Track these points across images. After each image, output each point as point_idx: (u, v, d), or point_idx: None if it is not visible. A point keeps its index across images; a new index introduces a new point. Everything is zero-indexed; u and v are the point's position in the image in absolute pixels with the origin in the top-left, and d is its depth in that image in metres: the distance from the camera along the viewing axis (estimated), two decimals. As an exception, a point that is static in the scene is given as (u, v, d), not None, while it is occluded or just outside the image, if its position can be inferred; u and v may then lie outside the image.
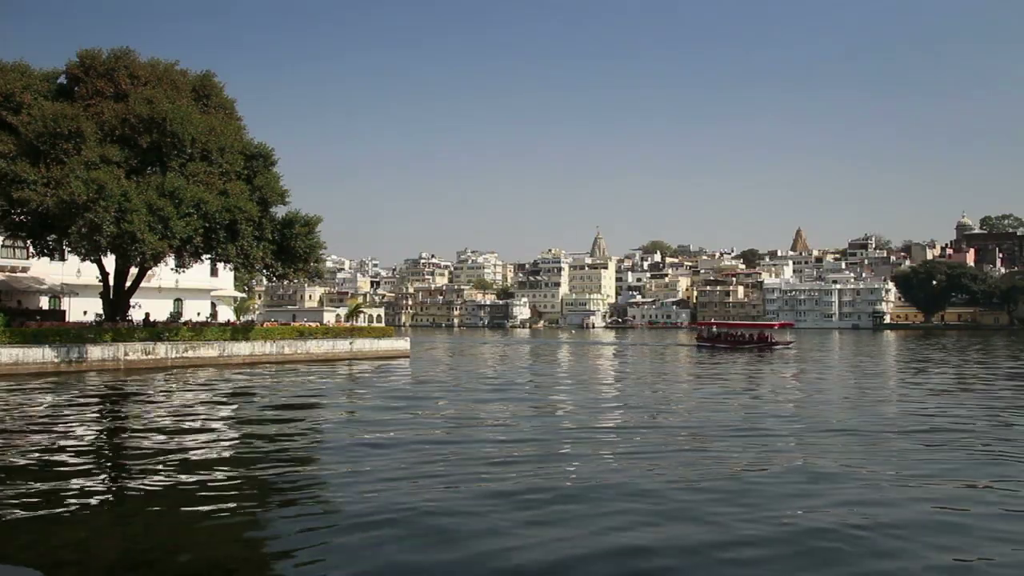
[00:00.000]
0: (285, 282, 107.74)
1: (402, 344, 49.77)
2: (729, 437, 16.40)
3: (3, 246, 44.30)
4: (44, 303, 45.89)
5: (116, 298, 39.27)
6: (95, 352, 34.23)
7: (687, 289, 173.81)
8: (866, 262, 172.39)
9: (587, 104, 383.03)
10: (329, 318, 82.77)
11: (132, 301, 41.12)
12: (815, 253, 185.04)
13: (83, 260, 36.65)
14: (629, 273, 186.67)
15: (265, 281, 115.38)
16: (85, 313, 44.36)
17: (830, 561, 8.43)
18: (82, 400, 23.53)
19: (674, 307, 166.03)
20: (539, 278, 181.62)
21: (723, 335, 63.60)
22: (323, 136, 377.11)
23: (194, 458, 14.10)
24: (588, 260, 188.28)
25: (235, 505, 10.93)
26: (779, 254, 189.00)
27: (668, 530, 9.54)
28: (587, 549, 8.81)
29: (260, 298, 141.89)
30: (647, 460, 13.80)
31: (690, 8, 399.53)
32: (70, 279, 45.83)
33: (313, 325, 51.94)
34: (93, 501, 11.01)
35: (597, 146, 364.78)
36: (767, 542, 9.03)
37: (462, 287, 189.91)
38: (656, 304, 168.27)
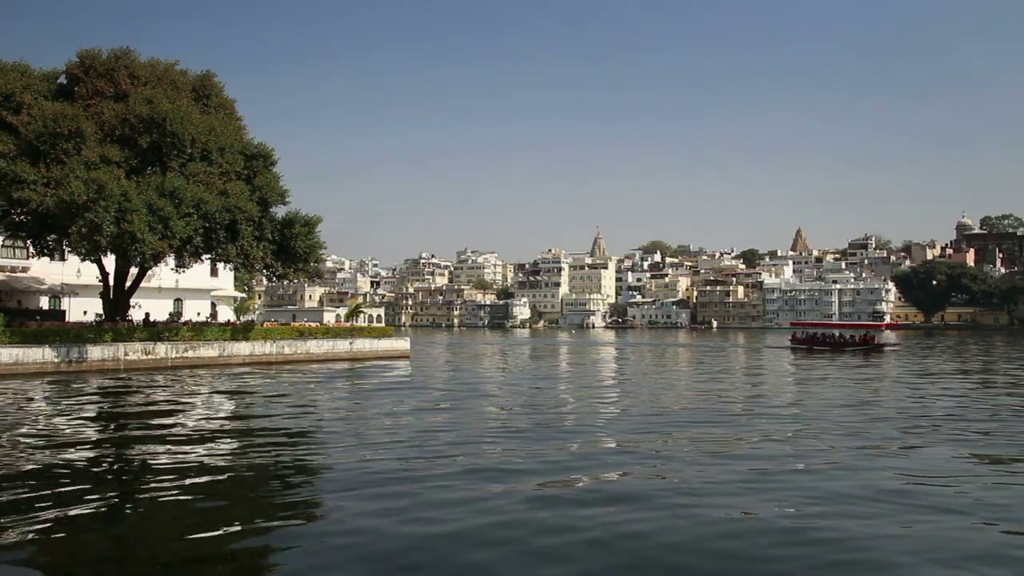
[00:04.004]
0: (285, 282, 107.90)
1: (402, 344, 49.77)
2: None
3: (3, 246, 44.30)
4: (44, 303, 45.88)
5: (116, 298, 39.27)
6: (95, 352, 34.22)
7: (687, 289, 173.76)
8: (866, 262, 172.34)
9: (587, 104, 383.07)
10: (329, 318, 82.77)
11: (132, 301, 41.11)
12: (815, 253, 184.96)
13: (83, 260, 36.67)
14: (629, 273, 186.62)
15: (265, 281, 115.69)
16: (85, 313, 44.36)
17: None
18: (81, 400, 23.53)
19: (674, 307, 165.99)
20: (539, 278, 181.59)
21: (822, 336, 60.61)
22: (323, 136, 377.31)
23: (195, 458, 14.09)
24: (588, 260, 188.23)
25: (236, 506, 10.93)
26: (779, 254, 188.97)
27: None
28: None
29: (260, 298, 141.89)
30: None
31: (690, 8, 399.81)
32: (70, 279, 45.83)
33: (313, 325, 51.93)
34: (93, 501, 10.99)
35: (597, 146, 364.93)
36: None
37: (462, 287, 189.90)
38: (656, 304, 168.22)
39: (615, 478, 12.58)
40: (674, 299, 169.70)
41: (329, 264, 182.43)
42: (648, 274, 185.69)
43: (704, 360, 47.89)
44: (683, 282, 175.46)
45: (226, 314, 57.70)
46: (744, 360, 48.91)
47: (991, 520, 10.12)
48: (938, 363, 44.21)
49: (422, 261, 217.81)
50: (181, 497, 11.23)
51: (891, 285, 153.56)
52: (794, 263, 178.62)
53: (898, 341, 64.87)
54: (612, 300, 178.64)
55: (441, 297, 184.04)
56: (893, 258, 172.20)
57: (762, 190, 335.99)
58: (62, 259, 43.61)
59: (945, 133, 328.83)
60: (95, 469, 13.29)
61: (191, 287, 52.81)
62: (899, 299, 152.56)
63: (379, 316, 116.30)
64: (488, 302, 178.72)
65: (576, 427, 18.58)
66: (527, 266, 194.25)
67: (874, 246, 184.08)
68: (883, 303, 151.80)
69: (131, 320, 39.58)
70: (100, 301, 40.19)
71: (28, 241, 39.10)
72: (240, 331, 41.81)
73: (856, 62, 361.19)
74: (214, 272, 54.40)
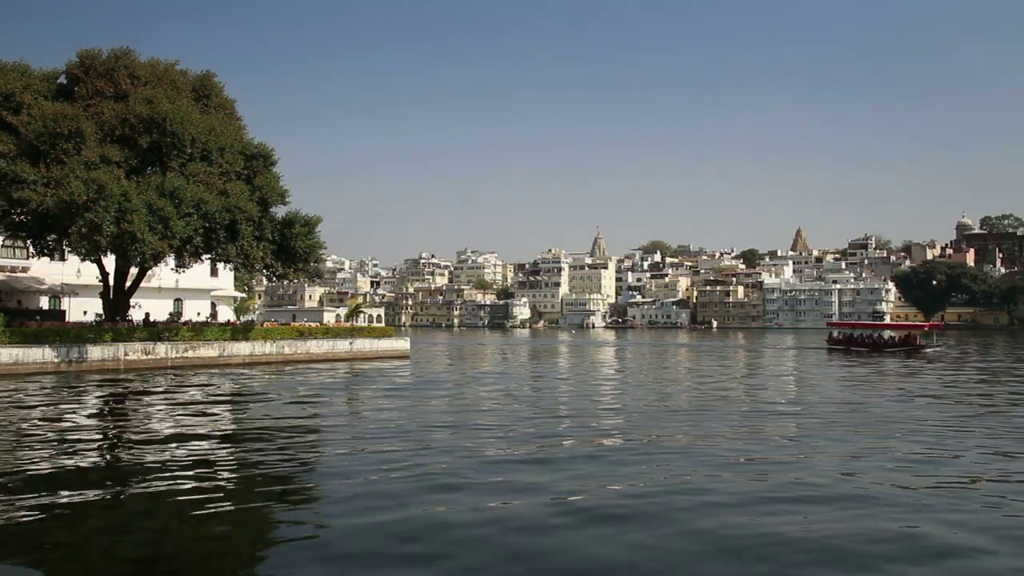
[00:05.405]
0: (285, 282, 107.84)
1: (402, 344, 49.75)
2: None
3: (3, 246, 44.28)
4: (44, 303, 45.86)
5: (116, 298, 39.25)
6: (95, 352, 34.20)
7: (687, 289, 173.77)
8: (866, 262, 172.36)
9: (587, 104, 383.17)
10: (329, 318, 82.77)
11: (132, 301, 41.09)
12: (815, 253, 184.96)
13: (83, 260, 36.65)
14: (629, 273, 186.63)
15: (265, 281, 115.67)
16: (85, 313, 44.34)
17: None
18: (81, 400, 23.51)
19: (674, 307, 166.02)
20: (539, 278, 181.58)
21: (859, 337, 58.74)
22: (323, 136, 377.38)
23: (195, 458, 14.08)
24: (588, 260, 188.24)
25: (235, 507, 10.93)
26: (779, 254, 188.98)
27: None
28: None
29: (260, 298, 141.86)
30: None
31: (690, 8, 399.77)
32: (70, 279, 45.81)
33: (313, 325, 51.91)
34: (93, 501, 11.00)
35: (597, 146, 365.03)
36: None
37: (462, 287, 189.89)
38: (656, 304, 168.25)
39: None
40: (674, 299, 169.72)
41: (329, 264, 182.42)
42: (648, 274, 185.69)
43: (739, 363, 44.91)
44: (683, 282, 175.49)
45: (226, 314, 57.67)
46: (789, 363, 44.54)
47: None
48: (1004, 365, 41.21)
49: (422, 261, 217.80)
50: (180, 502, 11.21)
51: (891, 285, 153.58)
52: (794, 263, 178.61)
53: (940, 344, 60.08)
54: (612, 300, 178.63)
55: (441, 297, 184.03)
56: (893, 258, 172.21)
57: (762, 190, 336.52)
58: (62, 259, 43.60)
59: (945, 133, 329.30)
60: (95, 470, 13.27)
61: (191, 287, 52.79)
62: (899, 299, 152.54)
63: (379, 316, 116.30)
64: (488, 302, 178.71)
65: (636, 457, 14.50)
66: (527, 266, 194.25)
67: (874, 246, 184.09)
68: (883, 303, 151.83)
69: (131, 320, 39.56)
70: (100, 301, 40.17)
71: (28, 241, 39.07)
72: (240, 331, 41.79)
73: (856, 62, 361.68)
74: (214, 272, 54.38)
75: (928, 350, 53.71)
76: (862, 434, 17.10)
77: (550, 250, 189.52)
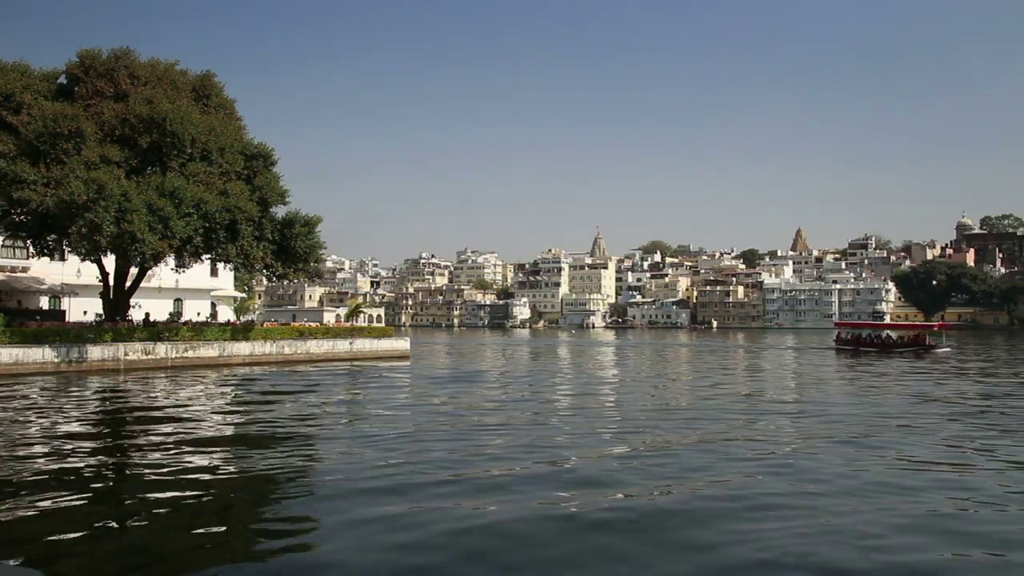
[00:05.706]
0: (285, 282, 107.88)
1: (402, 344, 49.74)
2: None
3: (3, 246, 44.27)
4: (44, 303, 45.85)
5: (116, 298, 39.24)
6: (95, 352, 34.19)
7: (687, 289, 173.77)
8: (866, 262, 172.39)
9: (587, 104, 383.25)
10: (329, 318, 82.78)
11: (132, 301, 41.08)
12: (815, 253, 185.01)
13: (83, 260, 36.64)
14: (629, 273, 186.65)
15: (265, 281, 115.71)
16: (85, 313, 44.33)
17: None
18: (81, 400, 23.51)
19: (674, 307, 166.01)
20: (539, 278, 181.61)
21: (868, 337, 58.29)
22: (323, 136, 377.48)
23: (194, 457, 14.07)
24: (588, 260, 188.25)
25: (234, 506, 10.93)
26: (779, 254, 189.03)
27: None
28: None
29: (260, 298, 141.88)
30: None
31: (690, 8, 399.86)
32: (70, 279, 45.81)
33: (313, 325, 51.90)
34: (93, 501, 11.00)
35: (597, 146, 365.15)
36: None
37: (462, 287, 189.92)
38: (656, 304, 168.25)
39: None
40: (674, 299, 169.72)
41: (329, 264, 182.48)
42: (648, 274, 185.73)
43: (747, 365, 44.28)
44: (683, 282, 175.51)
45: (226, 314, 57.66)
46: (799, 365, 43.00)
47: None
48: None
49: (422, 261, 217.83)
50: (180, 503, 11.21)
51: (891, 285, 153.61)
52: (794, 263, 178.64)
53: (949, 345, 58.83)
54: (612, 300, 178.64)
55: (441, 297, 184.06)
56: (893, 258, 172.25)
57: (762, 190, 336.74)
58: (62, 259, 43.60)
59: (945, 133, 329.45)
60: (95, 470, 13.26)
61: (191, 287, 52.78)
62: (899, 299, 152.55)
63: (379, 316, 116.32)
64: (488, 302, 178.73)
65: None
66: (527, 266, 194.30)
67: (874, 246, 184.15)
68: (883, 303, 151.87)
69: (131, 320, 39.55)
70: (100, 301, 40.16)
71: (28, 241, 39.07)
72: (240, 331, 41.78)
73: (856, 62, 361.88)
74: (214, 272, 54.37)
75: (938, 350, 53.20)
76: (873, 436, 17.09)
77: (550, 250, 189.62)
